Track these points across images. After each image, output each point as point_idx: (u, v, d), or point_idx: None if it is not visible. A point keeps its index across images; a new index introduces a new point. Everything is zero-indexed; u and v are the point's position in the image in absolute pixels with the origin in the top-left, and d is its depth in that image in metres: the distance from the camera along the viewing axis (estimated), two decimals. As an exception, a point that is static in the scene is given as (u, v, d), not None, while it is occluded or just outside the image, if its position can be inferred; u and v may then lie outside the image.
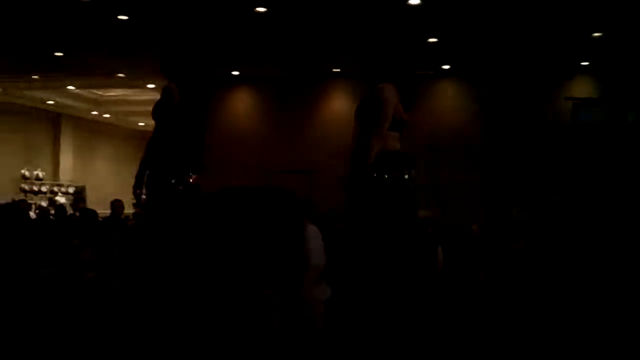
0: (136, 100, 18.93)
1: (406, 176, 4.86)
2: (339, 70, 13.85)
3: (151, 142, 5.25)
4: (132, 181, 5.32)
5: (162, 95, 5.20)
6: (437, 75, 13.92)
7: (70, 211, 15.09)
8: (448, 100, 14.01)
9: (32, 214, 14.68)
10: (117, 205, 10.97)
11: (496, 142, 13.39)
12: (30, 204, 16.44)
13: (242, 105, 15.14)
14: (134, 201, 8.15)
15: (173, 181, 5.05)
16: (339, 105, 14.10)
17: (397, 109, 4.93)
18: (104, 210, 11.24)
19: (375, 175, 4.79)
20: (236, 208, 1.17)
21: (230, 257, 1.13)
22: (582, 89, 12.90)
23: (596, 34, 10.92)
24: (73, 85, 17.57)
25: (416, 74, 13.18)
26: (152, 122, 5.37)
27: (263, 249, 1.13)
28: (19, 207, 11.79)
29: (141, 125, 21.56)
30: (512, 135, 13.32)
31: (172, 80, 5.22)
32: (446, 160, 13.49)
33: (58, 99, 19.25)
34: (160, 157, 5.12)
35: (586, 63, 12.84)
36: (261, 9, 10.08)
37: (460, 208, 12.61)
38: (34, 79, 15.98)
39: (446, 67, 13.51)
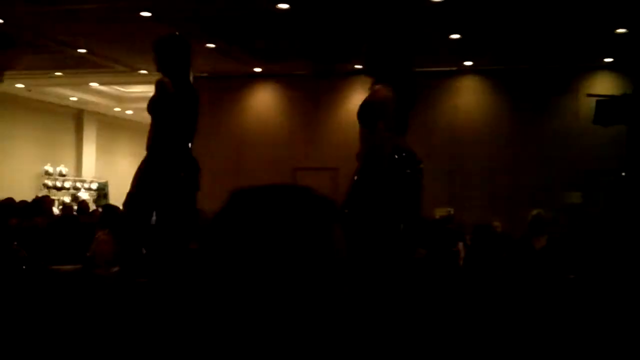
0: (158, 97, 18.95)
1: (408, 171, 4.84)
2: (361, 67, 13.81)
3: (150, 136, 5.31)
4: None
5: (155, 89, 5.24)
6: (460, 72, 13.89)
7: (93, 207, 15.20)
8: (470, 96, 13.96)
9: (55, 210, 14.80)
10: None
11: (518, 138, 13.33)
12: (54, 199, 16.58)
13: (264, 102, 15.14)
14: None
15: (172, 175, 5.14)
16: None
17: (394, 108, 4.88)
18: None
19: (379, 173, 4.78)
20: (266, 208, 1.17)
21: (258, 257, 1.13)
22: (605, 86, 12.79)
23: (620, 30, 10.84)
24: (96, 82, 17.68)
25: (438, 70, 13.23)
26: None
27: (290, 250, 1.13)
28: (43, 203, 11.86)
29: (163, 122, 21.57)
30: (533, 132, 13.26)
31: (167, 75, 5.27)
32: (468, 157, 13.44)
33: (81, 96, 19.36)
34: (158, 150, 5.19)
35: (609, 60, 12.74)
36: (284, 6, 10.09)
37: (483, 205, 12.57)
38: (57, 75, 16.08)
39: (468, 63, 13.46)
